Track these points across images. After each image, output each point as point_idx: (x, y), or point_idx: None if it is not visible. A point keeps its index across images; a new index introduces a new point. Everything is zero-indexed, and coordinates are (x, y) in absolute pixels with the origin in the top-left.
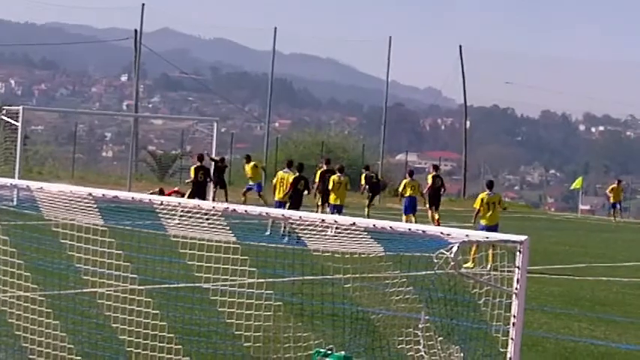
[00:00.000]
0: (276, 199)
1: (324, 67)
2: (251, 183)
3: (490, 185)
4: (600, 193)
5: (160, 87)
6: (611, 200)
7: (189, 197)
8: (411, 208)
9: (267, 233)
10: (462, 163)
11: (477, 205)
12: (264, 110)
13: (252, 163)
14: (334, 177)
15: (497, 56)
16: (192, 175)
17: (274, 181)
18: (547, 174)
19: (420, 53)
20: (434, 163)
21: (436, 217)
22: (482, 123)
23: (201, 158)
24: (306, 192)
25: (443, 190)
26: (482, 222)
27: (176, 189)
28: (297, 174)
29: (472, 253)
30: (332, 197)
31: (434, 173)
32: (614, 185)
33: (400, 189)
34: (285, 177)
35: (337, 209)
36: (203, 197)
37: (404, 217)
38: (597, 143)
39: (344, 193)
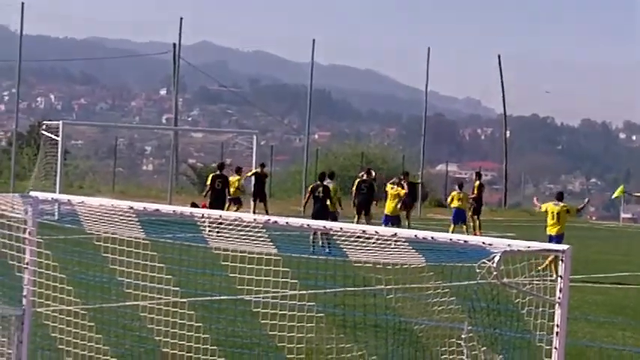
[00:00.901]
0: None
1: (362, 78)
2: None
3: (559, 197)
4: None
5: (199, 100)
6: None
7: (209, 207)
8: (458, 219)
9: (311, 250)
10: (502, 173)
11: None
12: (303, 122)
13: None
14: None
15: (536, 65)
16: (208, 182)
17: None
18: (588, 183)
19: (458, 63)
20: (476, 171)
21: (477, 225)
22: (522, 132)
23: (221, 167)
24: (328, 201)
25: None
26: (548, 231)
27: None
28: (318, 182)
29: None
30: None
31: (479, 182)
32: None
33: (449, 200)
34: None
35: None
36: (221, 207)
37: (451, 227)
38: (638, 151)
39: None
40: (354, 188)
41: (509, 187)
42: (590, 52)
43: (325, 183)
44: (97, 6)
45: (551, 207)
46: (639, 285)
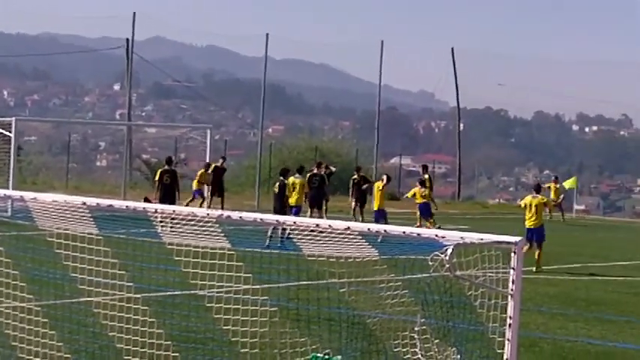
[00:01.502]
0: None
1: (317, 72)
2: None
3: (537, 189)
4: (595, 193)
5: (153, 95)
6: None
7: (159, 202)
8: (425, 213)
9: (266, 244)
10: (455, 166)
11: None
12: (257, 116)
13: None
14: (291, 179)
15: (489, 58)
16: (156, 178)
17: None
18: (541, 175)
19: (412, 56)
20: (423, 164)
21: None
22: (476, 125)
23: (169, 162)
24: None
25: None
26: (526, 225)
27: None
28: (281, 177)
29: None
30: (291, 199)
31: (427, 176)
32: None
33: (409, 195)
34: (297, 182)
35: (295, 210)
36: (171, 201)
37: (418, 222)
38: (591, 143)
39: (301, 194)
40: (305, 182)
41: (463, 180)
42: (543, 44)
43: (295, 177)
44: (49, 2)
45: (529, 200)
46: (591, 276)
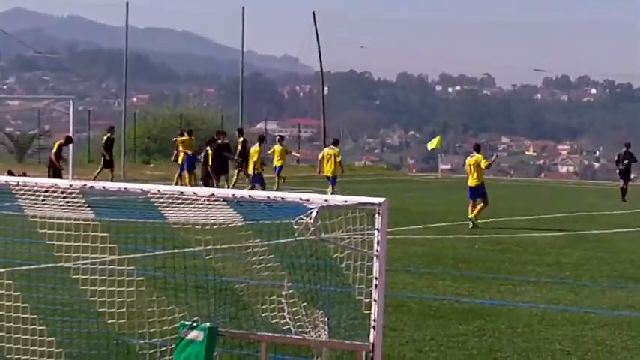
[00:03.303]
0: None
1: (180, 40)
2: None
3: (476, 149)
4: (460, 151)
5: (15, 68)
6: None
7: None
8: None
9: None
10: (321, 130)
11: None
12: (121, 86)
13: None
14: (326, 150)
15: (351, 21)
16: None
17: (320, 157)
18: (406, 136)
19: (276, 22)
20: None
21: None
22: (340, 88)
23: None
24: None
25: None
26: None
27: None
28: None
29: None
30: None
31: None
32: None
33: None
34: (331, 153)
35: (333, 180)
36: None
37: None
38: (454, 103)
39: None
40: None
41: (328, 144)
42: (404, 7)
43: (329, 148)
44: None
45: (468, 160)
46: (457, 235)
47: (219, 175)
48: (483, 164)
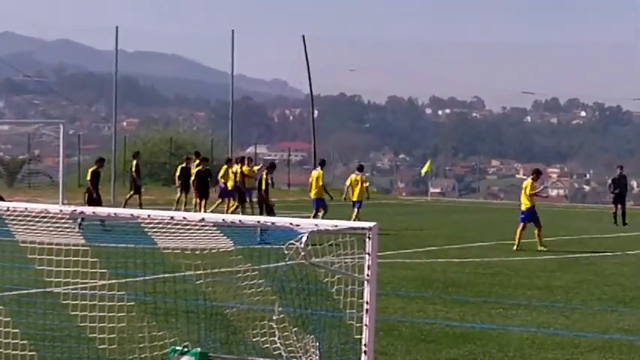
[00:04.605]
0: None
1: (169, 63)
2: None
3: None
4: (450, 175)
5: (4, 91)
6: None
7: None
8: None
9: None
10: (311, 153)
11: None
12: (111, 110)
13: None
14: (353, 176)
15: (341, 44)
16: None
17: (347, 183)
18: (397, 159)
19: (265, 45)
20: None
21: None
22: (330, 112)
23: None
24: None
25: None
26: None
27: None
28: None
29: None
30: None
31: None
32: None
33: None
34: (358, 178)
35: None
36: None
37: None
38: (444, 126)
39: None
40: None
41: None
42: (394, 30)
43: (355, 174)
44: None
45: (523, 184)
46: (448, 258)
47: (203, 199)
48: (528, 190)
